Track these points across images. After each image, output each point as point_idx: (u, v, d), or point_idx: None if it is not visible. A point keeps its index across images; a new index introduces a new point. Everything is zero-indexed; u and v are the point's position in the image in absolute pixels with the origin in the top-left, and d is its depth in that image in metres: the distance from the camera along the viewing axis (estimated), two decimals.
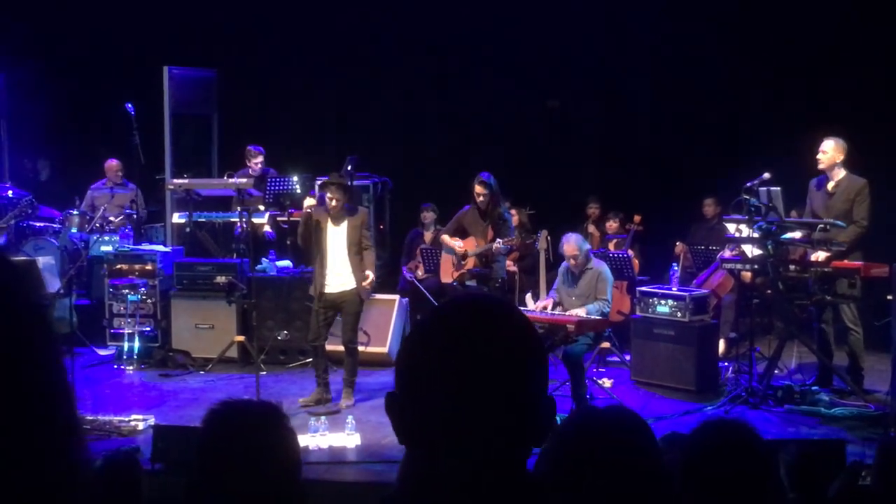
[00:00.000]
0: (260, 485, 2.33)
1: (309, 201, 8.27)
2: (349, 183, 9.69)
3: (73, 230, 11.05)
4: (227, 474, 2.34)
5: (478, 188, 8.96)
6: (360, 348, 8.71)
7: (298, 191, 10.47)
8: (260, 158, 11.11)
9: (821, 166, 8.39)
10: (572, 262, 8.21)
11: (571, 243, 8.17)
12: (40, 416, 1.11)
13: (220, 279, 9.74)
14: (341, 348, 8.26)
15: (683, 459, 2.54)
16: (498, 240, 8.84)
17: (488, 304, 1.47)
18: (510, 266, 10.25)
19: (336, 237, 8.09)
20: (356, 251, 8.09)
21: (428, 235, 11.23)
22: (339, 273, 8.09)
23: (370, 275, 8.15)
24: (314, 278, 8.20)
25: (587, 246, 8.39)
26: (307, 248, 8.28)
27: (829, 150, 8.34)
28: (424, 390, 1.40)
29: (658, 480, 2.08)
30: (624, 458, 2.00)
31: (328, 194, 8.06)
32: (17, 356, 1.10)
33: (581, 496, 1.96)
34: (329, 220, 8.08)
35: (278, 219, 10.44)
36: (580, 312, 7.95)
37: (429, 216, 11.37)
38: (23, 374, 1.10)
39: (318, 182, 9.41)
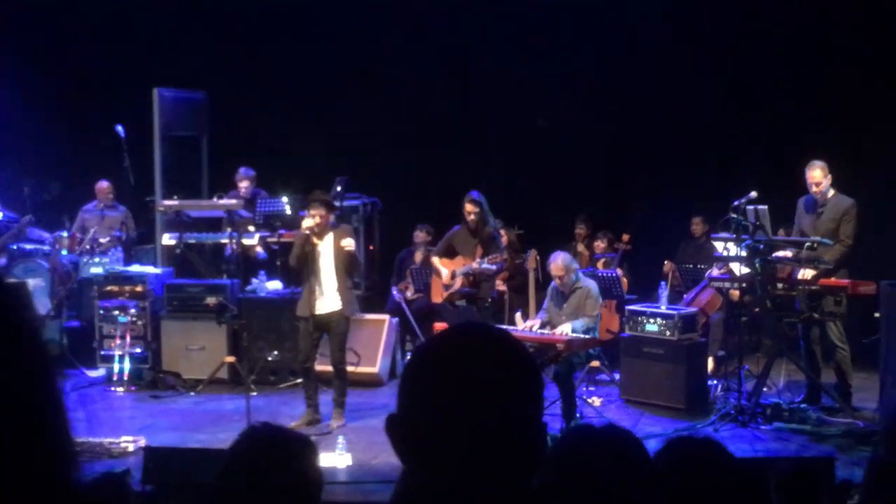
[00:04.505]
0: None
1: (308, 222, 8.08)
2: (338, 204, 9.71)
3: (64, 252, 11.03)
4: (252, 497, 2.33)
5: (468, 206, 9.00)
6: (351, 368, 8.71)
7: (288, 212, 10.47)
8: (247, 182, 11.07)
9: (820, 198, 8.44)
10: (559, 281, 8.25)
11: (558, 262, 8.21)
12: (34, 436, 1.12)
13: (211, 300, 9.74)
14: (330, 368, 8.26)
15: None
16: (485, 257, 8.87)
17: (488, 331, 1.54)
18: (500, 286, 10.26)
19: (324, 257, 8.10)
20: (342, 269, 8.08)
21: (418, 256, 11.21)
22: (327, 293, 8.09)
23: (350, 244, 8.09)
24: (302, 299, 8.20)
25: (575, 265, 8.42)
26: (300, 269, 8.23)
27: (822, 179, 8.38)
28: (426, 412, 1.44)
29: (652, 497, 2.10)
30: (618, 476, 2.02)
31: (311, 211, 8.05)
32: (11, 376, 1.11)
33: None
34: (316, 240, 8.05)
35: (268, 240, 10.43)
36: (566, 328, 7.97)
37: (421, 236, 11.31)
38: (17, 393, 1.11)
39: None
